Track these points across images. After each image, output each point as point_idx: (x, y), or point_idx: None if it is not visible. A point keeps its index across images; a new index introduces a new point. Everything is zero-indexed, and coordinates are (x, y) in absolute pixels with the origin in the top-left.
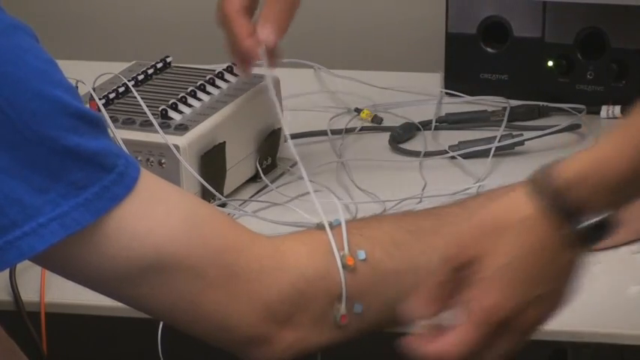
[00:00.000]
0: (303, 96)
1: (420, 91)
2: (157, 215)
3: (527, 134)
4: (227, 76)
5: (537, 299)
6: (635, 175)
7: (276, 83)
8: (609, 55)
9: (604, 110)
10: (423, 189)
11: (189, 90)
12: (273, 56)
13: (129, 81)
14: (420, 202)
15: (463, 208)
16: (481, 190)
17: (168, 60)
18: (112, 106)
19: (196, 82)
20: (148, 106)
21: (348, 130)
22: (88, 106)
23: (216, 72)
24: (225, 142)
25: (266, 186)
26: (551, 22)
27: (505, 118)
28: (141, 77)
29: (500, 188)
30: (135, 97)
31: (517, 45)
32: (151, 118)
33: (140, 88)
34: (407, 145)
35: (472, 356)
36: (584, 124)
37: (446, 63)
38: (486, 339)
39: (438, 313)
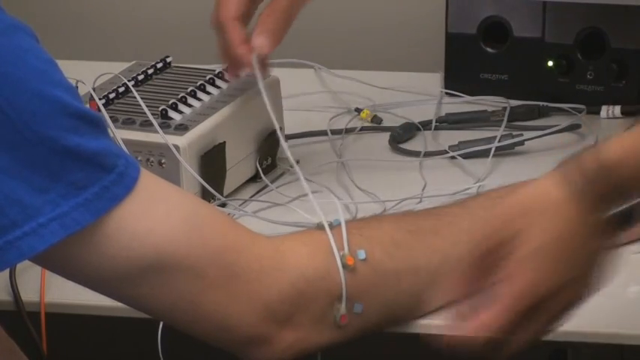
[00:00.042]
0: (303, 96)
1: (420, 91)
2: (157, 215)
3: (527, 134)
4: (227, 76)
5: (568, 283)
6: None
7: (276, 83)
8: (609, 55)
9: (604, 110)
10: (423, 189)
11: (189, 90)
12: (264, 65)
13: (129, 81)
14: (420, 202)
15: (463, 208)
16: (481, 190)
17: (168, 60)
18: (112, 106)
19: (196, 82)
20: (147, 106)
21: (348, 130)
22: (88, 106)
23: (216, 72)
24: (225, 142)
25: (266, 186)
26: (551, 22)
27: (505, 118)
28: (141, 77)
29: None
30: (135, 97)
31: (517, 45)
32: (151, 118)
33: (140, 88)
34: (407, 145)
35: (501, 339)
36: (584, 124)
37: (446, 63)
38: (516, 322)
39: (469, 296)
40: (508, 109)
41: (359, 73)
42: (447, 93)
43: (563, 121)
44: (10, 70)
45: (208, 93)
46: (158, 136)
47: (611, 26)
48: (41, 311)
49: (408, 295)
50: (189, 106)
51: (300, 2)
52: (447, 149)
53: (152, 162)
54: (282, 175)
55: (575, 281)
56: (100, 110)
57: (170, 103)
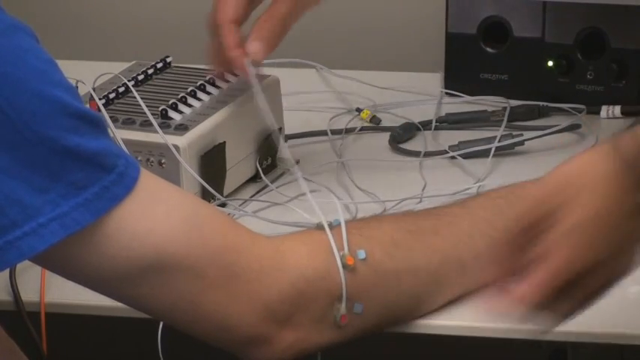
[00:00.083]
0: (303, 96)
1: (420, 91)
2: (156, 215)
3: (527, 134)
4: (227, 76)
5: (605, 261)
6: None
7: (276, 83)
8: (609, 55)
9: (604, 110)
10: (423, 189)
11: (189, 90)
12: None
13: (129, 81)
14: (420, 202)
15: (463, 208)
16: (481, 190)
17: (168, 60)
18: (112, 106)
19: (196, 82)
20: (147, 106)
21: (348, 130)
22: (88, 106)
23: (216, 72)
24: (225, 142)
25: (266, 186)
26: (551, 22)
27: (505, 118)
28: (141, 77)
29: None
30: (135, 97)
31: (517, 45)
32: (151, 118)
33: (140, 88)
34: (407, 145)
35: (535, 313)
36: (584, 124)
37: (446, 63)
38: (552, 298)
39: (508, 273)
40: (508, 109)
41: (359, 73)
42: (447, 93)
43: (563, 121)
44: (10, 70)
45: (208, 93)
46: (158, 136)
47: (611, 26)
48: (41, 311)
49: (408, 296)
50: (189, 106)
51: (299, 10)
52: (447, 149)
53: (152, 162)
54: (282, 175)
55: (612, 259)
56: (100, 110)
57: (170, 103)
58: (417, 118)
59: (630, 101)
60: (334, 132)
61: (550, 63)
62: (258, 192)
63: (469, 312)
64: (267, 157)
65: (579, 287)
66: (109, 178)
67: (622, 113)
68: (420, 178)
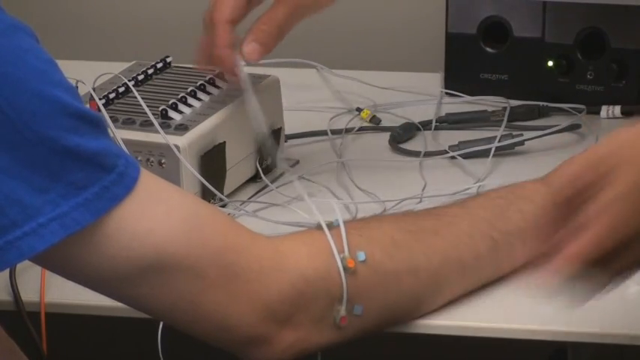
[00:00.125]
0: (303, 96)
1: (420, 91)
2: (157, 215)
3: (527, 134)
4: (227, 76)
5: None
6: None
7: (276, 83)
8: (609, 55)
9: (604, 110)
10: (423, 189)
11: (189, 90)
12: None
13: (129, 81)
14: (420, 202)
15: (463, 208)
16: (481, 190)
17: (168, 60)
18: (112, 106)
19: (196, 82)
20: (148, 106)
21: (348, 130)
22: (88, 106)
23: (216, 72)
24: (225, 142)
25: (266, 186)
26: (551, 22)
27: (505, 118)
28: (141, 77)
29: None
30: (135, 97)
31: (517, 45)
32: (151, 118)
33: (140, 88)
34: (407, 145)
35: (572, 284)
36: (584, 124)
37: (446, 63)
38: (592, 267)
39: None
40: (508, 109)
41: (359, 73)
42: (447, 93)
43: (563, 121)
44: (10, 70)
45: (208, 93)
46: (158, 136)
47: (611, 26)
48: (41, 311)
49: (408, 296)
50: (189, 106)
51: (299, 15)
52: (447, 149)
53: (152, 162)
54: (282, 175)
55: None
56: (100, 110)
57: (170, 103)
58: (417, 118)
59: (630, 101)
60: (334, 132)
61: (550, 63)
62: (258, 192)
63: (469, 312)
64: (267, 157)
65: (622, 256)
66: (109, 178)
67: (622, 113)
68: (420, 178)
